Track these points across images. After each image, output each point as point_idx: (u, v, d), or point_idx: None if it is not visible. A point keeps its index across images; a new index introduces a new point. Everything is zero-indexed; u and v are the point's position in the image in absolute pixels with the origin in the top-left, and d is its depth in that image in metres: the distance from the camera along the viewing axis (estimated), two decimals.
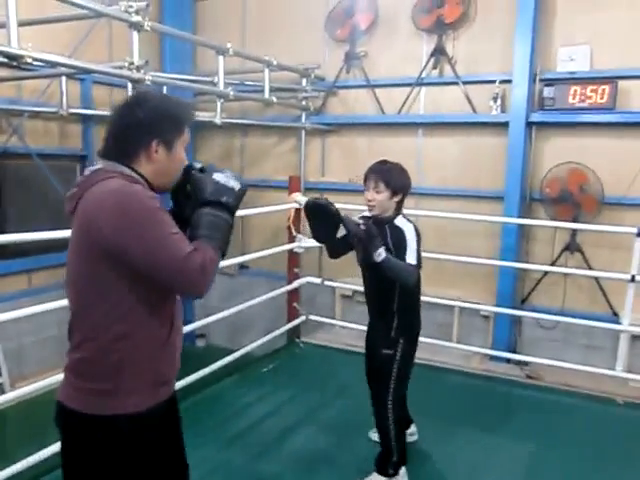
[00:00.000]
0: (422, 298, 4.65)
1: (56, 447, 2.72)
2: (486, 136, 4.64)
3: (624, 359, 4.02)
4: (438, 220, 4.56)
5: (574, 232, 4.34)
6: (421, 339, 4.52)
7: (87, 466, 1.54)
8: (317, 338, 5.02)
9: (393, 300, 2.68)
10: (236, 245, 5.68)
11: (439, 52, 4.68)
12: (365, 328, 4.86)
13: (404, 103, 4.87)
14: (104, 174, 1.48)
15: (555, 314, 4.33)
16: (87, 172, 1.52)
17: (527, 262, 4.57)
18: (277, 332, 4.45)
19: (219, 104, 4.24)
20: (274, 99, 4.57)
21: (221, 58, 3.95)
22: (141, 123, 1.50)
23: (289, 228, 4.71)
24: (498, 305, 4.47)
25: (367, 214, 2.71)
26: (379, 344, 2.74)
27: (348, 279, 4.99)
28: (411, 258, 2.51)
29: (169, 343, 1.59)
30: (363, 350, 4.72)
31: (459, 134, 4.75)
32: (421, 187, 4.89)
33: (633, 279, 3.72)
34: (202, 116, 4.72)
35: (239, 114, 5.44)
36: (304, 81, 5.04)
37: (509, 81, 4.41)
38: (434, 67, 4.73)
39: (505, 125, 4.44)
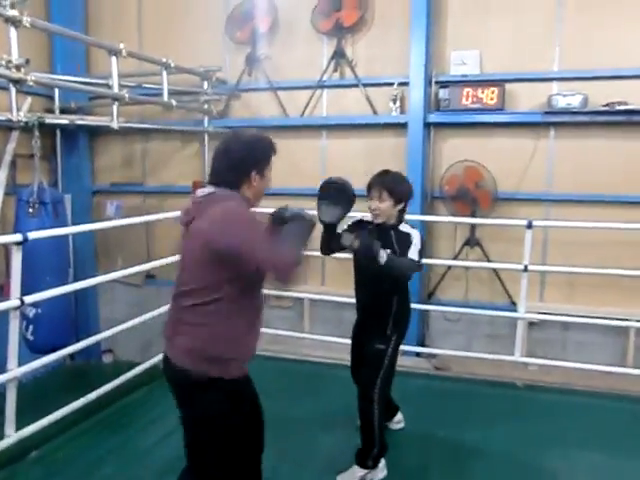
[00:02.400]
0: (334, 298, 4.73)
1: None
2: (387, 137, 4.76)
3: (522, 345, 4.26)
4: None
5: (473, 227, 4.55)
6: (336, 339, 4.60)
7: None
8: None
9: (391, 305, 2.80)
10: (141, 254, 5.46)
11: (339, 55, 4.75)
12: (278, 332, 4.85)
13: (307, 106, 4.90)
14: (221, 197, 1.92)
15: (459, 306, 4.52)
16: (201, 193, 1.97)
17: (431, 257, 4.73)
18: None
19: (115, 108, 4.05)
20: (174, 102, 4.43)
21: (114, 59, 3.78)
22: (243, 160, 1.95)
23: None
24: None
25: (369, 219, 2.82)
26: (373, 340, 2.85)
27: None
28: (413, 254, 2.66)
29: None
30: (277, 354, 4.72)
31: (362, 135, 4.84)
32: None
33: (526, 269, 3.95)
34: (97, 120, 4.49)
35: (139, 118, 5.25)
36: (205, 84, 4.93)
37: (407, 83, 4.55)
38: (335, 70, 4.80)
39: (405, 126, 4.58)
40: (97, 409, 3.50)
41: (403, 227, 2.76)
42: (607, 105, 4.17)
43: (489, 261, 4.57)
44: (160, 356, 3.92)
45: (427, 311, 4.77)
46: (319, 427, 3.47)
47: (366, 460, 2.84)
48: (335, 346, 4.64)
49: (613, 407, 3.78)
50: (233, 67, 5.08)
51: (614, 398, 3.88)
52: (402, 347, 4.50)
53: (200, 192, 1.98)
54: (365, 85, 4.73)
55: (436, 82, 4.56)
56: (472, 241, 4.58)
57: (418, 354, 4.64)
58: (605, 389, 3.97)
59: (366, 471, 2.84)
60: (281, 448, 3.20)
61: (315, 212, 2.31)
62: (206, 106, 4.98)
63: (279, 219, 2.16)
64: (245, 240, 1.86)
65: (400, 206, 2.74)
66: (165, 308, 4.10)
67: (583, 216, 4.27)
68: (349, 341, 4.56)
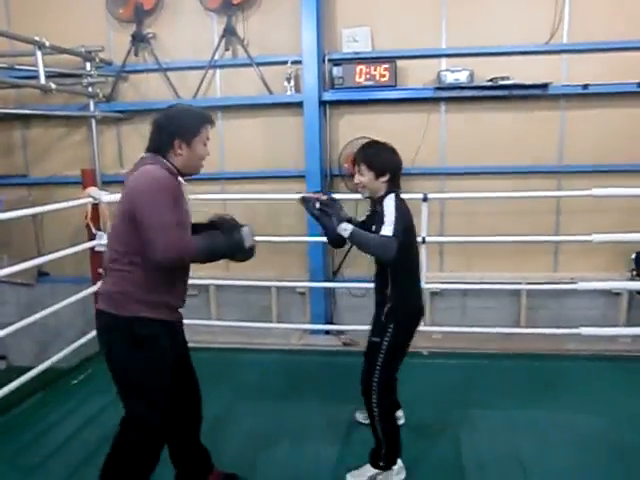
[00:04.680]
0: (240, 282, 4.64)
1: None
2: (284, 116, 4.71)
3: (425, 314, 4.42)
4: (245, 202, 4.56)
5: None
6: (241, 324, 4.53)
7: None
8: None
9: (386, 284, 2.59)
10: (30, 250, 5.09)
11: (230, 33, 4.60)
12: (185, 321, 4.70)
13: (199, 86, 4.73)
14: (147, 161, 2.10)
15: (364, 282, 4.59)
16: (138, 159, 2.15)
17: None
18: (84, 339, 4.06)
19: None
20: (53, 85, 4.11)
21: None
22: (167, 128, 2.12)
23: (88, 226, 4.34)
24: (311, 280, 4.61)
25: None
26: (372, 330, 2.68)
27: None
28: (386, 230, 2.40)
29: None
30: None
31: (258, 115, 4.76)
32: (225, 172, 4.85)
33: (424, 240, 4.07)
34: None
35: (16, 103, 4.85)
36: (88, 65, 4.62)
37: (300, 62, 4.50)
38: (226, 49, 4.65)
39: (301, 105, 4.54)
40: None
41: (387, 198, 2.54)
42: (491, 80, 4.36)
43: None
44: (59, 356, 3.74)
45: (333, 289, 4.83)
46: (238, 412, 3.42)
47: (377, 460, 2.66)
48: (245, 330, 4.60)
49: (510, 365, 4.03)
50: (118, 47, 4.79)
51: (511, 357, 4.14)
52: (310, 326, 4.65)
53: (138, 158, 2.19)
54: (258, 64, 4.63)
55: (329, 60, 4.55)
56: None
57: (327, 332, 4.70)
58: (502, 350, 4.23)
59: (376, 471, 2.66)
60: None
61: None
62: (91, 89, 4.68)
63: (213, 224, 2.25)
64: (151, 212, 1.99)
65: (384, 178, 2.54)
66: (61, 305, 3.88)
67: (476, 187, 4.47)
68: (259, 324, 4.57)
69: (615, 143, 4.45)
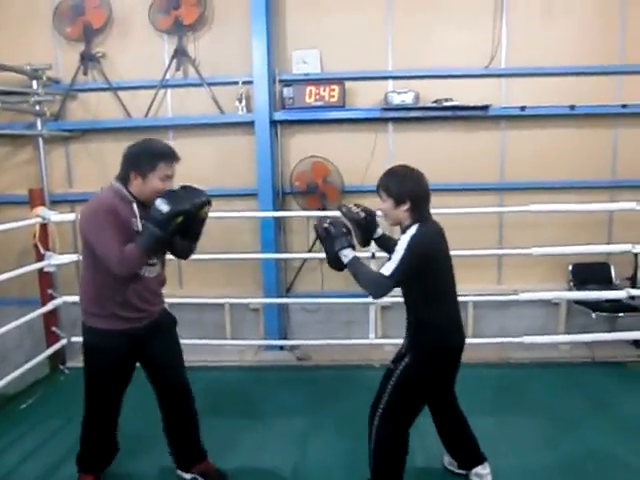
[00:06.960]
0: (193, 300, 4.62)
1: None
2: (236, 135, 4.76)
3: (377, 328, 4.54)
4: None
5: None
6: (196, 341, 4.51)
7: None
8: None
9: (411, 317, 2.50)
10: None
11: (181, 54, 4.64)
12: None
13: (150, 106, 4.73)
14: (106, 187, 2.48)
15: (317, 297, 4.69)
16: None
17: (286, 252, 4.84)
18: (32, 362, 3.97)
19: None
20: None
21: None
22: (125, 161, 2.43)
23: (36, 246, 4.26)
24: (265, 296, 4.66)
25: None
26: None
27: None
28: (386, 268, 2.27)
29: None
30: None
31: (210, 135, 4.80)
32: None
33: (373, 256, 4.20)
34: None
35: None
36: (35, 83, 4.55)
37: (251, 82, 4.58)
38: (177, 69, 4.69)
39: (252, 124, 4.61)
40: None
41: (409, 230, 2.37)
42: (436, 102, 4.55)
43: None
44: (6, 380, 3.64)
45: (287, 305, 4.89)
46: None
47: None
48: (199, 349, 4.58)
49: (458, 374, 4.17)
50: (67, 65, 4.75)
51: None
52: (264, 342, 4.69)
53: None
54: (210, 84, 4.68)
55: (280, 80, 4.65)
56: None
57: (281, 347, 4.75)
58: None
59: None
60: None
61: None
62: (37, 107, 4.60)
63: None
64: (93, 234, 2.35)
65: (404, 206, 2.37)
66: (7, 328, 3.77)
67: None
68: (213, 342, 4.57)
69: (550, 161, 4.73)
